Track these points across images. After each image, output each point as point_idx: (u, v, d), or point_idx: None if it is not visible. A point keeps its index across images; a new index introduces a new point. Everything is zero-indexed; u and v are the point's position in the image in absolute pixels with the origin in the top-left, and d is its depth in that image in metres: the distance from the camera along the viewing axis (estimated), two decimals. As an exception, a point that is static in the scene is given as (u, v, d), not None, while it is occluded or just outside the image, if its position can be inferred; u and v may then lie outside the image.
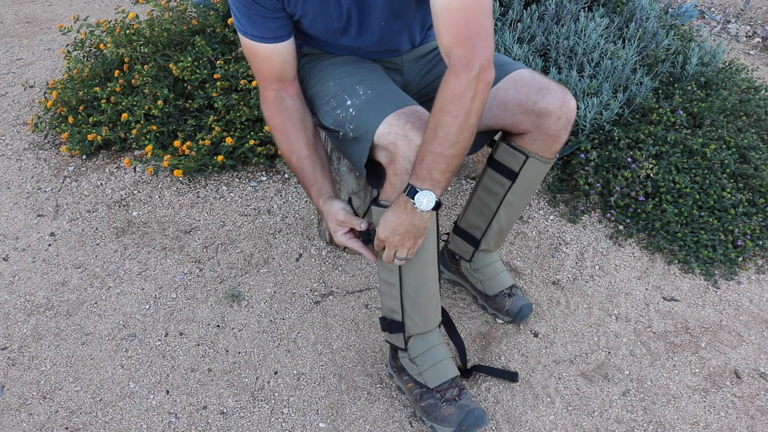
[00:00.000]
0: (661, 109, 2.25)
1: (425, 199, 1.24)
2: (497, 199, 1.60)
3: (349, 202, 1.47)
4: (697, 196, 2.06)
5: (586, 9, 2.51)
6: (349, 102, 1.40)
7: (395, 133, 1.28)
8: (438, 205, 1.25)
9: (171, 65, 2.31)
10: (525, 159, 1.52)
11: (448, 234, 1.82)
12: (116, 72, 2.44)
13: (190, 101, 2.34)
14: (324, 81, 1.49)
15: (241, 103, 2.26)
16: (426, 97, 1.57)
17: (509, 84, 1.47)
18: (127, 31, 2.42)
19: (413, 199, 1.24)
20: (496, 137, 1.61)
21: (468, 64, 1.19)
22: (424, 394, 1.50)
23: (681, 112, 2.25)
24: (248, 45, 1.40)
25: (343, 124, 1.41)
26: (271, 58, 1.41)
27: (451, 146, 1.21)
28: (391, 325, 1.51)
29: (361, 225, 1.39)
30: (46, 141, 2.47)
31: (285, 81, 1.45)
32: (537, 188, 1.68)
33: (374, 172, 1.39)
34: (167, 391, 1.60)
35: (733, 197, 2.06)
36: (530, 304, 1.74)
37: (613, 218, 2.11)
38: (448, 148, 1.21)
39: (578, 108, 2.18)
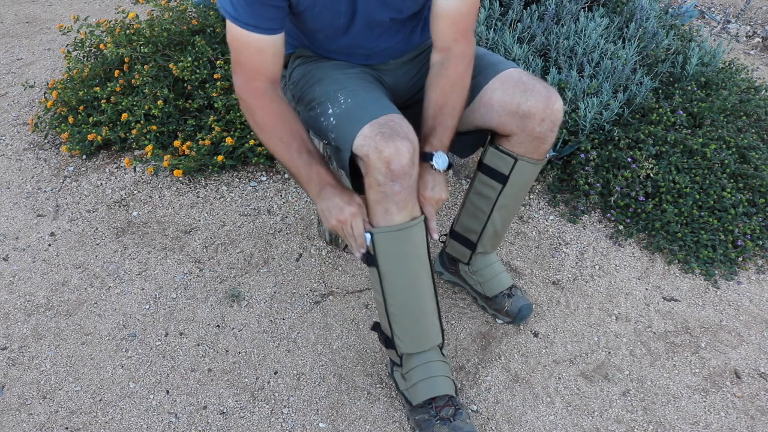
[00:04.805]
0: (661, 109, 2.25)
1: (440, 160, 1.41)
2: (489, 202, 1.60)
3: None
4: (697, 196, 2.06)
5: (586, 9, 2.51)
6: (330, 110, 1.40)
7: (368, 145, 1.28)
8: (450, 166, 1.43)
9: (171, 65, 2.31)
10: (514, 162, 1.52)
11: (446, 236, 1.82)
12: (116, 72, 2.44)
13: (190, 101, 2.34)
14: (311, 85, 1.48)
15: (241, 103, 2.26)
16: (416, 97, 1.57)
17: (496, 84, 1.47)
18: (127, 31, 2.42)
19: (432, 161, 1.41)
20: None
21: (470, 55, 1.43)
22: (418, 408, 1.48)
23: (681, 112, 2.25)
24: (240, 35, 1.31)
25: (326, 132, 1.42)
26: (263, 50, 1.32)
27: (456, 117, 1.43)
28: (386, 341, 1.50)
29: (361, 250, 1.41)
30: (46, 141, 2.47)
31: (275, 79, 1.37)
32: (529, 188, 1.68)
33: (360, 178, 1.37)
34: (167, 391, 1.60)
35: (733, 197, 2.05)
36: (530, 305, 1.74)
37: (613, 218, 2.11)
38: (454, 119, 1.43)
39: (578, 108, 2.18)
